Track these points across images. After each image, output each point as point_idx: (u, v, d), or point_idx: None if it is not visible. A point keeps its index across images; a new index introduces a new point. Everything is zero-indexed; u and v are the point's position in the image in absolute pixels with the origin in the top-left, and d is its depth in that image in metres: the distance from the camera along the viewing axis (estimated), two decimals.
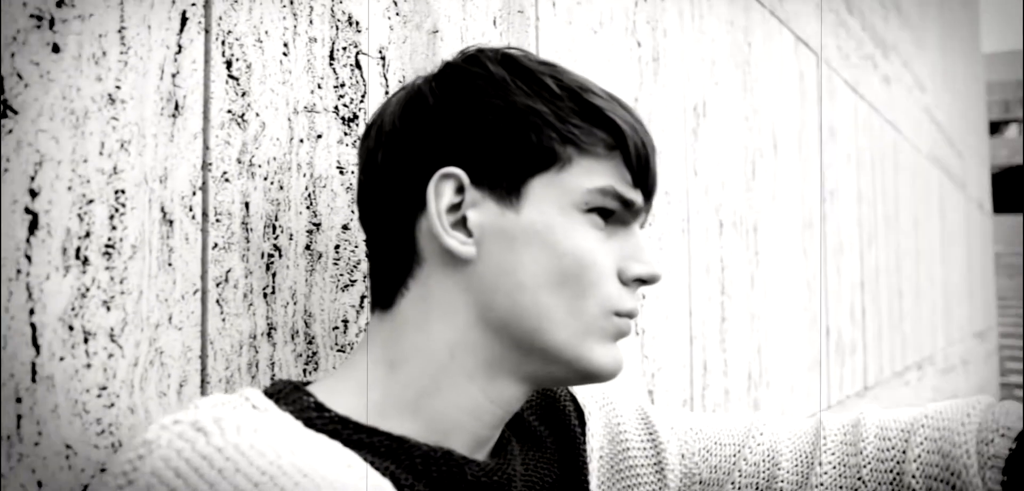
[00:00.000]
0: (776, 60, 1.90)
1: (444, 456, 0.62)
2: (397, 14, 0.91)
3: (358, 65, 0.86)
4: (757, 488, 0.77)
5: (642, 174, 0.67)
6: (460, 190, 0.64)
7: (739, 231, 1.70)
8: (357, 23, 0.86)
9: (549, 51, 1.18)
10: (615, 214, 0.66)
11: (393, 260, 0.67)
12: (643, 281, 0.67)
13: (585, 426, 0.79)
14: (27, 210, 0.59)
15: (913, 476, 0.71)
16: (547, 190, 0.64)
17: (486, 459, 0.68)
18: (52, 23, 0.61)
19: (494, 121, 0.64)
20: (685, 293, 1.48)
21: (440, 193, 0.64)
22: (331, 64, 0.83)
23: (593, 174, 0.65)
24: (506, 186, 0.64)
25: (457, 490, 0.63)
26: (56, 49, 0.61)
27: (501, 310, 0.64)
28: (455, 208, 0.64)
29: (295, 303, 0.78)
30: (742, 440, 0.79)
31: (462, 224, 0.64)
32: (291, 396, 0.61)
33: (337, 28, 0.84)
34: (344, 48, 0.84)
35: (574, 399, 0.81)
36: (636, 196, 0.67)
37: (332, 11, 0.83)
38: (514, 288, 0.63)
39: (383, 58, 0.89)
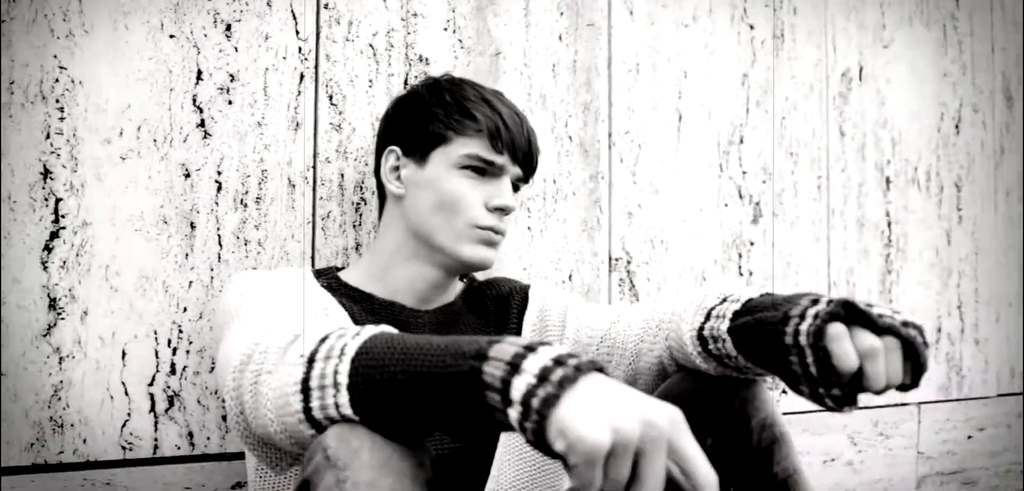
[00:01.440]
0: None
1: (390, 305, 1.14)
2: (462, 45, 1.42)
3: None
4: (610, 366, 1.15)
5: (502, 145, 1.10)
6: (399, 157, 1.15)
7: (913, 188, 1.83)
8: (426, 59, 1.39)
9: (628, 54, 1.56)
10: (485, 171, 1.11)
11: (378, 197, 1.20)
12: (501, 209, 1.11)
13: (526, 310, 1.23)
14: (216, 182, 1.25)
15: (667, 358, 1.05)
16: (440, 156, 1.12)
17: (421, 309, 1.17)
18: (228, 89, 1.25)
19: (414, 119, 1.13)
20: (826, 245, 1.72)
21: (387, 159, 1.15)
22: (405, 88, 1.37)
23: (465, 146, 1.10)
24: (419, 155, 1.13)
25: (396, 325, 1.14)
26: (230, 103, 1.25)
27: (416, 225, 1.13)
28: (396, 169, 1.15)
29: (368, 232, 1.35)
30: (607, 328, 1.16)
31: (400, 177, 1.15)
32: (325, 272, 1.18)
33: (409, 64, 1.38)
34: (416, 77, 1.38)
35: (525, 293, 1.25)
36: (498, 158, 1.10)
37: (406, 53, 1.37)
38: (421, 212, 1.12)
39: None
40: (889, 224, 1.85)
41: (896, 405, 1.84)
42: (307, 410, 0.71)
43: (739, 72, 1.68)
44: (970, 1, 1.98)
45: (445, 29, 1.41)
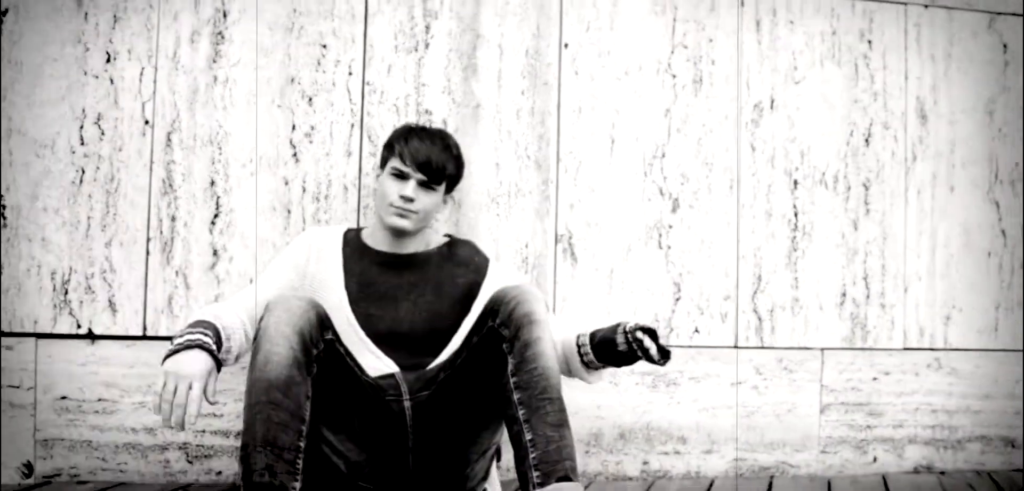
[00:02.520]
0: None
1: (378, 251, 2.03)
2: (454, 102, 2.30)
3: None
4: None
5: (408, 162, 1.93)
6: (376, 167, 2.06)
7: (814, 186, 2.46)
8: (430, 112, 2.29)
9: (573, 101, 2.36)
10: (400, 175, 1.95)
11: None
12: (404, 197, 1.95)
13: (486, 276, 2.05)
14: (303, 187, 2.22)
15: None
16: (386, 168, 1.99)
17: (399, 253, 2.03)
18: (309, 134, 2.23)
19: (384, 147, 2.03)
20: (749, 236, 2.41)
21: (378, 170, 2.06)
22: None
23: (393, 162, 1.97)
24: (381, 167, 2.02)
25: (385, 261, 2.02)
26: (310, 142, 2.23)
27: (377, 205, 2.02)
28: (378, 174, 2.05)
29: None
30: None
31: (377, 178, 2.05)
32: (354, 229, 2.10)
33: (419, 117, 2.28)
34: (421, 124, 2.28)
35: (484, 269, 2.06)
36: (404, 169, 1.93)
37: (417, 109, 2.28)
38: (377, 198, 2.00)
39: (445, 124, 2.29)
40: (796, 215, 2.47)
41: (799, 349, 2.45)
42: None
43: (663, 108, 2.41)
44: (883, 42, 2.54)
45: (442, 92, 2.31)
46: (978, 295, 2.57)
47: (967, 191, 2.58)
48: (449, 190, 1.99)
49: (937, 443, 2.54)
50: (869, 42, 2.53)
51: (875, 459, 2.50)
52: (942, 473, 2.51)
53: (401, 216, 1.93)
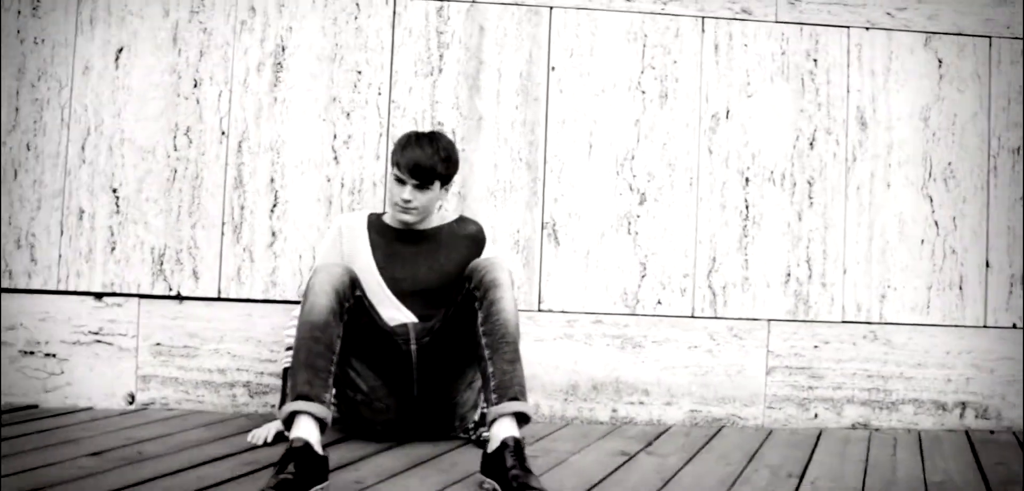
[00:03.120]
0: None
1: (395, 229, 2.61)
2: (461, 115, 2.88)
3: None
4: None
5: (403, 169, 2.48)
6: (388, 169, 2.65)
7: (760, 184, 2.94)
8: (442, 123, 2.87)
9: (558, 114, 2.91)
10: (400, 180, 2.52)
11: None
12: (405, 199, 2.51)
13: (483, 250, 2.62)
14: (342, 183, 2.84)
15: None
16: (391, 173, 2.57)
17: (414, 231, 2.61)
18: (347, 142, 2.85)
19: (391, 154, 2.62)
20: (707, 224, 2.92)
21: (388, 170, 2.65)
22: None
23: (394, 169, 2.54)
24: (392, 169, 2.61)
25: (402, 237, 2.60)
26: (348, 149, 2.84)
27: (389, 201, 2.60)
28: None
29: None
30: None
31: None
32: (374, 214, 2.70)
33: (433, 126, 2.87)
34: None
35: (485, 240, 2.63)
36: (400, 174, 2.48)
37: (432, 121, 2.87)
38: (388, 196, 2.60)
39: (453, 133, 2.87)
40: (747, 207, 2.95)
41: (748, 320, 2.93)
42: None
43: (633, 119, 2.93)
44: (828, 60, 2.99)
45: (452, 108, 2.89)
46: (912, 277, 2.99)
47: (903, 187, 3.00)
48: (444, 185, 2.55)
49: (873, 404, 2.97)
50: (814, 60, 2.99)
51: (816, 416, 2.95)
52: (876, 430, 2.94)
53: (404, 212, 2.50)
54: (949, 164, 3.03)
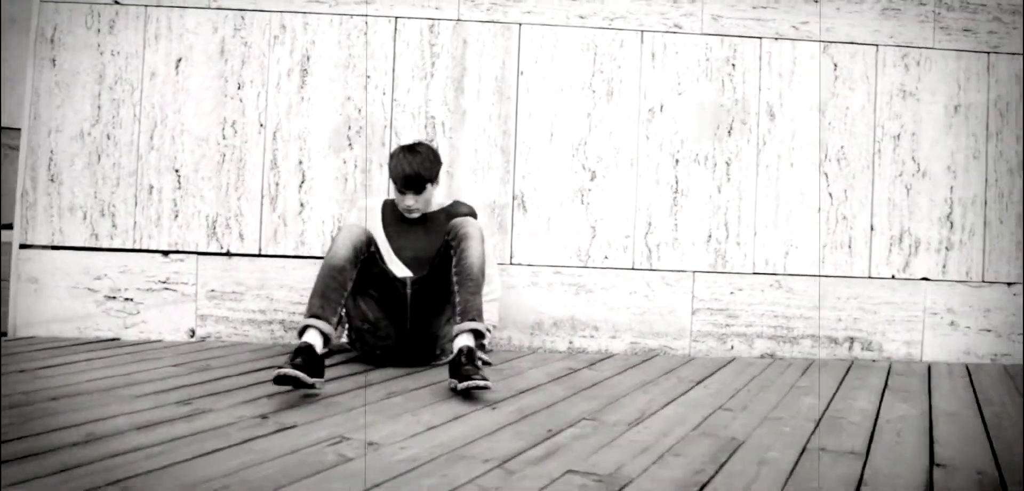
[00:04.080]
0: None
1: (399, 211, 3.38)
2: (449, 111, 3.64)
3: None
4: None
5: (399, 184, 3.25)
6: None
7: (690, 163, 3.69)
8: (434, 117, 3.63)
9: (526, 108, 3.66)
10: (401, 192, 3.28)
11: None
12: (408, 207, 3.28)
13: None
14: (344, 160, 3.61)
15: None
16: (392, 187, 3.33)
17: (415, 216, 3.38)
18: (350, 128, 3.61)
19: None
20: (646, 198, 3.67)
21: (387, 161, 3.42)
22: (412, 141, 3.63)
23: (393, 181, 3.30)
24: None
25: (402, 219, 3.37)
26: (359, 138, 3.61)
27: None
28: None
29: None
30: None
31: None
32: (388, 200, 3.46)
33: (426, 122, 3.62)
34: (428, 126, 3.62)
35: (471, 213, 3.39)
36: (400, 187, 3.26)
37: (425, 115, 3.62)
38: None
39: (443, 125, 3.63)
40: (677, 182, 3.70)
41: (677, 271, 3.68)
42: None
43: (586, 112, 3.69)
44: (743, 65, 3.73)
45: (442, 104, 3.65)
46: (810, 238, 3.74)
47: (803, 167, 3.75)
48: (434, 182, 3.28)
49: (779, 339, 3.73)
50: (733, 65, 3.73)
51: (732, 348, 3.71)
52: (781, 359, 3.70)
53: (409, 212, 3.27)
54: (842, 147, 3.77)
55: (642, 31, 3.72)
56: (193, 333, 3.59)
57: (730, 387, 2.98)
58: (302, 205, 3.63)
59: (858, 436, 2.32)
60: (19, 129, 3.69)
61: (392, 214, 3.32)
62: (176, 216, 3.60)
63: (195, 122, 3.60)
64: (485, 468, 1.89)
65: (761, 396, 2.82)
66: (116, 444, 1.94)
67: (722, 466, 1.98)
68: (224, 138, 3.61)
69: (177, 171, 3.60)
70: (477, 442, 2.12)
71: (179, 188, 3.60)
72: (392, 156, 3.24)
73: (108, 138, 3.57)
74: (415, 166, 3.17)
